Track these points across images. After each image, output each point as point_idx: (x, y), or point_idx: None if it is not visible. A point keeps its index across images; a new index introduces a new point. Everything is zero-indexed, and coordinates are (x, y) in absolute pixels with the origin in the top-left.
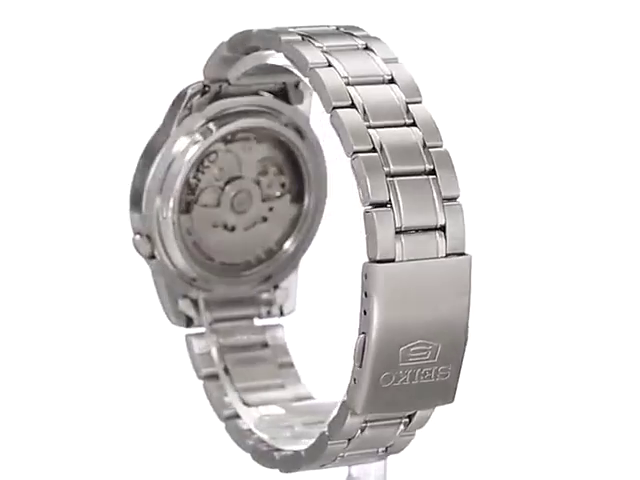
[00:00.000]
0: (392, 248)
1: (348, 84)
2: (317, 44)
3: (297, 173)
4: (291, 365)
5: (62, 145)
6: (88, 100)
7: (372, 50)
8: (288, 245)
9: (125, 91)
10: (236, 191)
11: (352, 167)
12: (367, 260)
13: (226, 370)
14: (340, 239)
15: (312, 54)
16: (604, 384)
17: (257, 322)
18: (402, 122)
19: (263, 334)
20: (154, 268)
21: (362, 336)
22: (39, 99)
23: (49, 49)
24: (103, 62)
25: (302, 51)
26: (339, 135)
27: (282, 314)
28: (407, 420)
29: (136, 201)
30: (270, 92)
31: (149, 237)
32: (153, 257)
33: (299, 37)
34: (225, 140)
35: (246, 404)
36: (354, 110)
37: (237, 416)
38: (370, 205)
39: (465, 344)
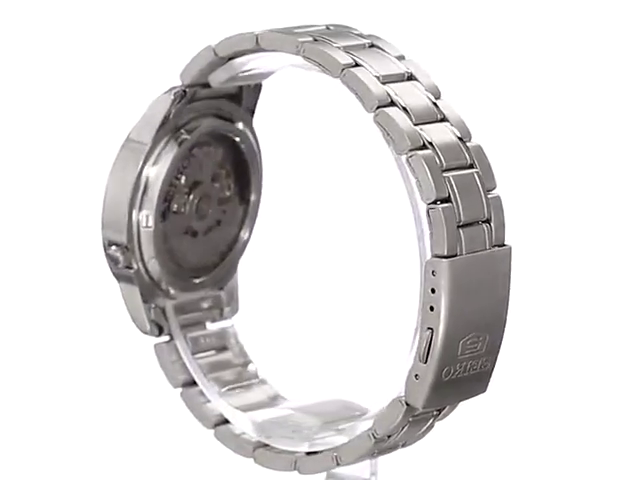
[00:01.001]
0: (456, 243)
1: (380, 83)
2: (335, 44)
3: (244, 174)
4: (253, 365)
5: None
6: (63, 105)
7: (381, 48)
8: (236, 246)
9: (94, 99)
10: (199, 196)
11: (408, 165)
12: (431, 256)
13: (204, 375)
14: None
15: (338, 55)
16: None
17: (213, 325)
18: (435, 118)
19: (223, 337)
20: (130, 279)
21: (428, 332)
22: (17, 103)
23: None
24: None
25: (328, 52)
26: (390, 134)
27: (231, 315)
28: (437, 413)
29: (113, 212)
30: (224, 94)
31: (127, 248)
32: (130, 268)
33: (311, 38)
34: (193, 145)
35: (237, 408)
36: (396, 108)
37: (226, 421)
38: (434, 202)
39: (504, 333)
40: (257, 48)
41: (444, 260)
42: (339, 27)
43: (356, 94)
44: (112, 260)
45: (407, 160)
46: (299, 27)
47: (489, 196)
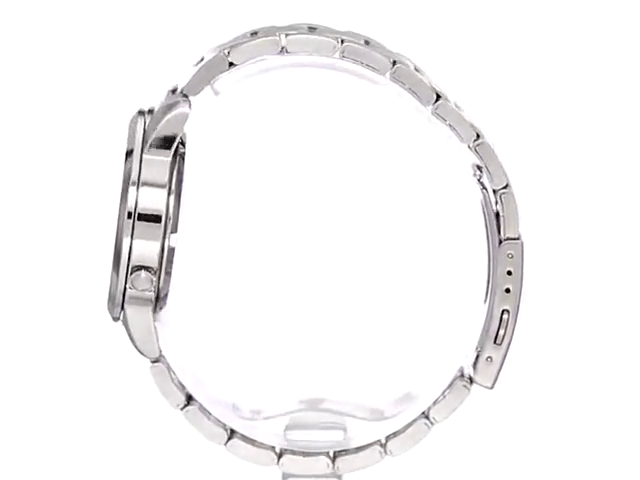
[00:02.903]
0: (521, 225)
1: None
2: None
3: (179, 183)
4: None
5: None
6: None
7: (377, 44)
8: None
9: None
10: (174, 204)
11: (476, 152)
12: (501, 240)
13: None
14: None
15: (380, 52)
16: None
17: None
18: (457, 106)
19: None
20: (147, 300)
21: (505, 314)
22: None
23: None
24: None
25: (371, 51)
26: (453, 124)
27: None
28: None
29: (146, 245)
30: None
31: (153, 269)
32: (150, 290)
33: (339, 39)
34: None
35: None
36: (446, 99)
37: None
38: (504, 187)
39: None
40: (279, 52)
41: (518, 242)
42: (320, 27)
43: (410, 89)
44: (135, 284)
45: (474, 148)
46: (281, 27)
47: None
